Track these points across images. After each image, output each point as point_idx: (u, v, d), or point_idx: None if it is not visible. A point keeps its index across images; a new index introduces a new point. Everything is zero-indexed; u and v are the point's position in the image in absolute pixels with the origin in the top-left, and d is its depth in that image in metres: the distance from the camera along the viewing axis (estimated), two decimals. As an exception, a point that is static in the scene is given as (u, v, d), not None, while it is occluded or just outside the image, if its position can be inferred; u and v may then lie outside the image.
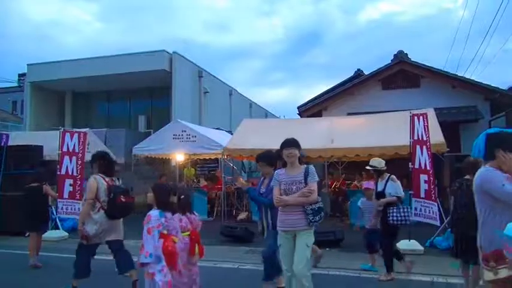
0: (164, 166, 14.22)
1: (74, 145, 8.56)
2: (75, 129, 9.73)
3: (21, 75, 24.60)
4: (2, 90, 28.06)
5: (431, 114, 8.62)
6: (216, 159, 13.27)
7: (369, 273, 5.48)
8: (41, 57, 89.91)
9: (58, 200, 8.31)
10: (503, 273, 2.59)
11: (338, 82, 16.92)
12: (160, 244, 3.60)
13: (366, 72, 15.28)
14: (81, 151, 8.57)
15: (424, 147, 7.14)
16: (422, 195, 7.08)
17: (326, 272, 5.64)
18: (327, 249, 6.95)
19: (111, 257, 4.80)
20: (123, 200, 4.60)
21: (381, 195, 5.39)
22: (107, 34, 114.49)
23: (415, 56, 12.98)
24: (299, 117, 15.19)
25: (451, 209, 4.91)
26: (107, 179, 4.72)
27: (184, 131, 11.33)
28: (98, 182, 4.61)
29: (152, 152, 11.90)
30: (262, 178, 4.75)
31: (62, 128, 9.35)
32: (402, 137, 7.82)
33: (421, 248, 6.81)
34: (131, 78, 16.33)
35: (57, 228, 8.68)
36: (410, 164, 7.24)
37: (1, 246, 7.56)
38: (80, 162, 8.53)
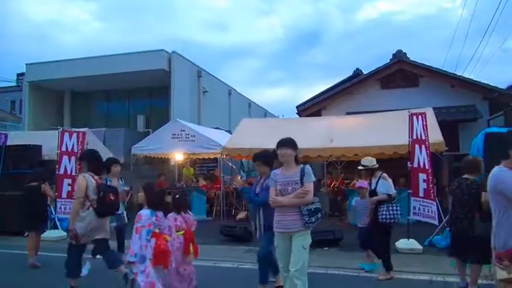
0: (163, 166, 14.21)
1: (73, 145, 8.56)
2: (74, 129, 9.73)
3: (20, 75, 24.53)
4: (0, 90, 28.00)
5: (430, 114, 8.63)
6: (215, 159, 13.28)
7: (368, 272, 5.48)
8: (39, 57, 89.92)
9: (57, 199, 8.31)
10: None
11: (337, 81, 16.94)
12: (153, 243, 3.62)
13: (365, 72, 15.29)
14: (79, 151, 8.54)
15: (423, 146, 7.14)
16: (421, 194, 7.09)
17: (325, 271, 5.64)
18: (326, 248, 6.96)
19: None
20: (112, 198, 4.67)
21: (373, 193, 5.42)
22: (106, 34, 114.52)
23: (413, 56, 13.01)
24: (298, 116, 15.20)
25: (450, 208, 4.92)
26: (96, 177, 4.74)
27: (183, 131, 11.33)
28: (87, 181, 4.62)
29: (151, 152, 11.90)
30: (259, 178, 4.72)
31: (61, 128, 9.33)
32: (401, 136, 7.83)
33: (419, 247, 6.82)
34: (130, 78, 16.32)
35: (56, 228, 8.67)
36: (409, 163, 7.25)
37: (0, 246, 7.55)
38: (78, 162, 8.51)
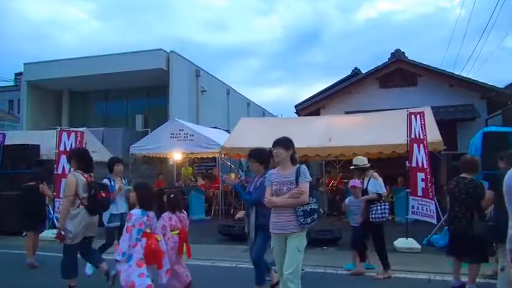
0: (162, 165, 14.21)
1: (71, 144, 8.54)
2: (72, 129, 9.71)
3: (18, 74, 24.46)
4: (-2, 89, 27.94)
5: (429, 113, 8.65)
6: (214, 158, 13.28)
7: (366, 271, 5.48)
8: (38, 57, 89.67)
9: (55, 199, 8.29)
10: None
11: (336, 81, 16.94)
12: (144, 243, 3.62)
13: (364, 71, 15.29)
14: (78, 150, 8.54)
15: (421, 145, 7.16)
16: (420, 193, 7.11)
17: (323, 270, 5.65)
18: (325, 247, 6.97)
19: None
20: (103, 195, 4.68)
21: (364, 192, 5.45)
22: (104, 33, 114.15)
23: (412, 55, 13.07)
24: (297, 116, 15.20)
25: (448, 207, 4.93)
26: (85, 175, 4.72)
27: (182, 130, 11.32)
28: (77, 178, 4.61)
29: (150, 151, 11.89)
30: (254, 176, 4.61)
31: (59, 127, 9.32)
32: (399, 135, 7.83)
33: (418, 246, 6.83)
34: (128, 77, 16.30)
35: (54, 227, 8.64)
36: (407, 162, 7.26)
37: (-2, 246, 7.54)
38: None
